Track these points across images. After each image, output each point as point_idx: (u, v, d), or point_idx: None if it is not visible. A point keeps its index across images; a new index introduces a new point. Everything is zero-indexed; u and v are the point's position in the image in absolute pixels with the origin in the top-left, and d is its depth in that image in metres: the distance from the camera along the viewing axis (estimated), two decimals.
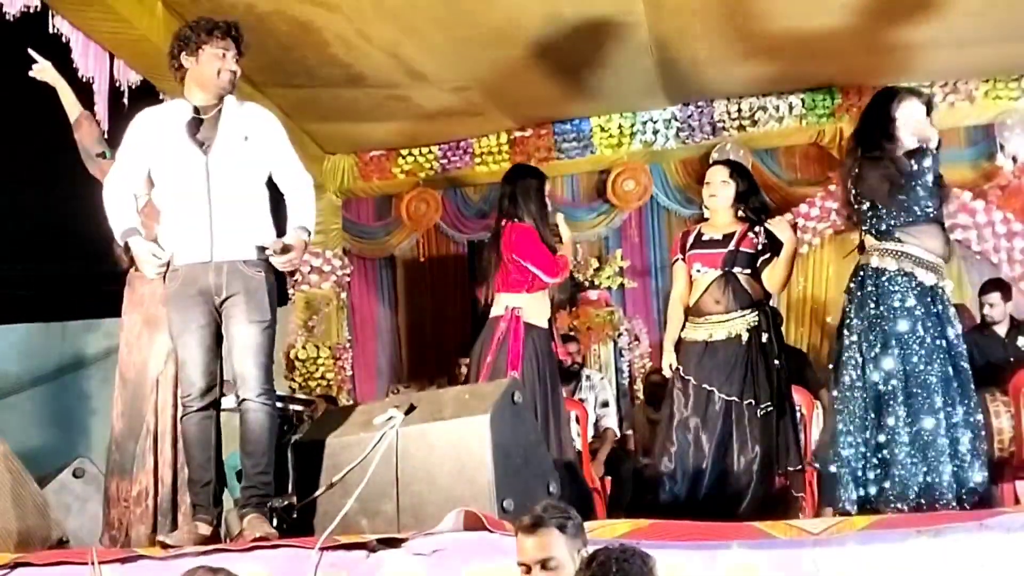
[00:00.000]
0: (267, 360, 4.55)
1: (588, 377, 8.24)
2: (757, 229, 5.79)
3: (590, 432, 7.69)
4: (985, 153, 9.23)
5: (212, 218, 4.49)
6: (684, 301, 5.93)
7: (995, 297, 7.61)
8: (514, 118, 9.78)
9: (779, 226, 5.80)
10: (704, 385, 5.64)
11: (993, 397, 6.66)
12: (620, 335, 9.65)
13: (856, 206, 5.26)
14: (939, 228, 5.20)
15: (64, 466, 6.45)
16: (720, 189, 5.89)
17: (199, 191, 4.50)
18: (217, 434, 4.68)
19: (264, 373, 4.52)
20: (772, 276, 5.73)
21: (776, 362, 5.65)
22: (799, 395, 7.01)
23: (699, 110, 9.62)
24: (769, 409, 5.55)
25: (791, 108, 9.45)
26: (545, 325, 6.14)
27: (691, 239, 5.96)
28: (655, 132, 9.70)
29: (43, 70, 5.54)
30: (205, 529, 4.57)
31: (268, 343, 4.56)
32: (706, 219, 6.09)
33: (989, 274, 8.51)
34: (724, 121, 9.55)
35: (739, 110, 9.52)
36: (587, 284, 9.72)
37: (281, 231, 4.67)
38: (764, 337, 5.65)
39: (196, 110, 4.61)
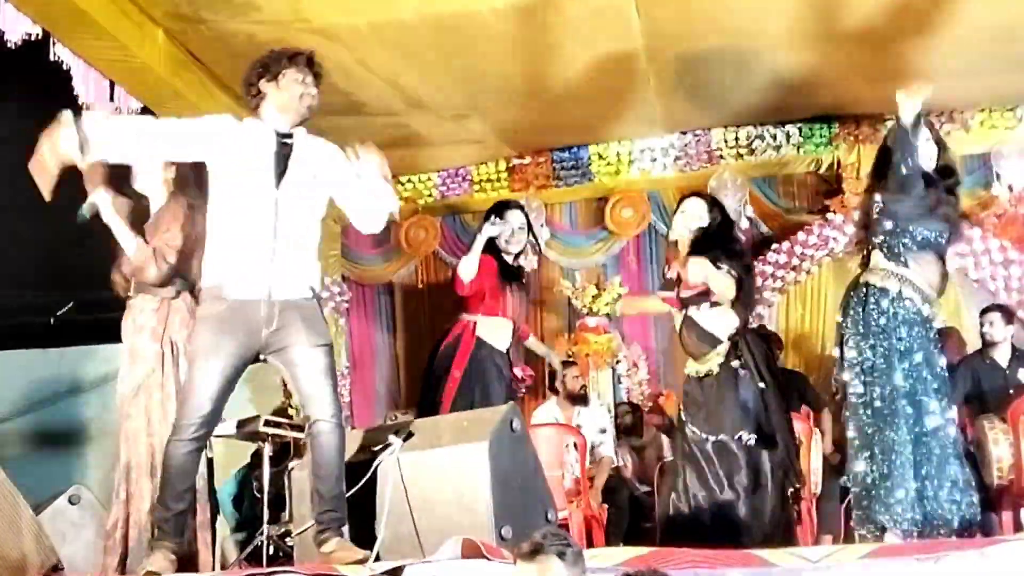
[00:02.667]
0: (335, 382, 4.51)
1: (587, 404, 8.21)
2: (694, 260, 5.73)
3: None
4: (981, 182, 9.25)
5: (275, 255, 4.41)
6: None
7: (995, 316, 7.61)
8: (513, 146, 9.81)
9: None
10: (693, 428, 5.71)
11: (992, 424, 6.64)
12: (618, 362, 9.64)
13: (876, 216, 5.28)
14: (942, 263, 5.24)
15: (60, 493, 6.42)
16: (694, 221, 5.89)
17: (265, 224, 4.42)
18: (202, 464, 4.62)
19: (334, 395, 4.46)
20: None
21: (761, 384, 5.67)
22: (797, 421, 7.02)
23: (696, 139, 9.65)
24: (754, 439, 5.58)
25: (789, 137, 9.48)
26: (501, 347, 6.21)
27: (672, 271, 5.99)
28: (653, 160, 9.73)
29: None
30: (171, 557, 4.43)
31: (332, 367, 4.50)
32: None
33: (987, 302, 8.51)
34: (722, 149, 9.59)
35: (736, 138, 9.56)
36: (585, 311, 9.71)
37: None
38: (735, 364, 5.68)
39: (279, 135, 4.52)
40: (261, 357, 4.53)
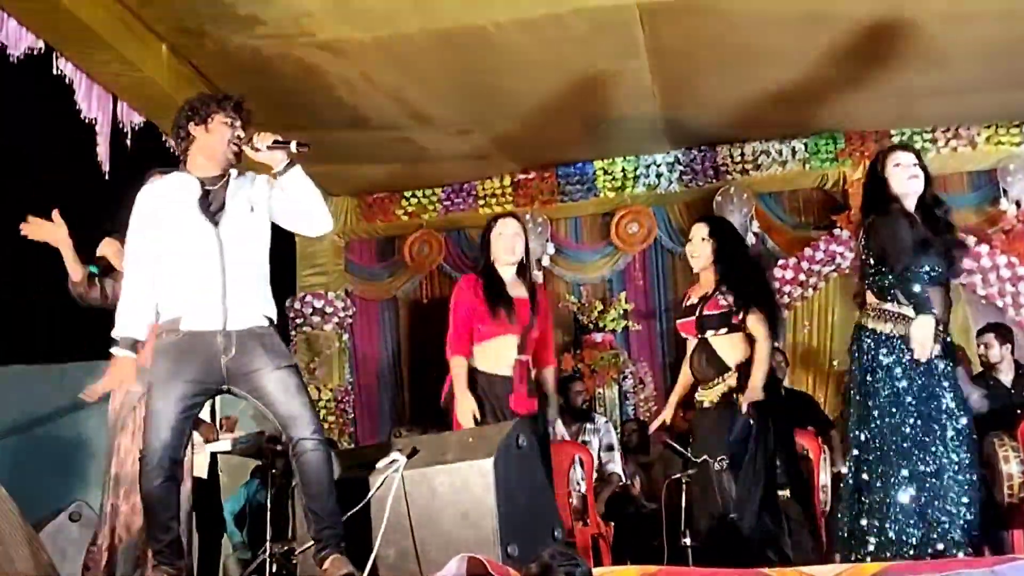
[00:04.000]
0: (310, 399, 4.44)
1: (593, 420, 8.18)
2: (723, 289, 5.72)
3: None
4: (988, 198, 9.24)
5: (225, 289, 4.40)
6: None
7: (989, 337, 7.59)
8: (517, 161, 9.80)
9: (755, 327, 5.70)
10: (693, 454, 5.70)
11: (1002, 442, 6.60)
12: (625, 378, 9.61)
13: (863, 258, 5.20)
14: (942, 291, 5.16)
15: (61, 510, 6.39)
16: (699, 247, 5.86)
17: (212, 262, 4.42)
18: (178, 490, 4.49)
19: (311, 411, 4.39)
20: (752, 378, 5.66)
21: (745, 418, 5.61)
22: (805, 439, 6.98)
23: (702, 154, 9.66)
24: (724, 464, 5.54)
25: (794, 152, 9.47)
26: (502, 371, 6.01)
27: (684, 301, 5.99)
28: (658, 176, 9.73)
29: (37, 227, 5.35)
30: None
31: (303, 385, 4.47)
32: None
33: (994, 318, 8.48)
34: (727, 165, 9.58)
35: (742, 154, 9.55)
36: (591, 326, 9.69)
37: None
38: (734, 397, 5.65)
39: (202, 182, 4.52)
40: (225, 388, 4.47)
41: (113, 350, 4.43)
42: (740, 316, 5.66)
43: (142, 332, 4.47)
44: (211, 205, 4.49)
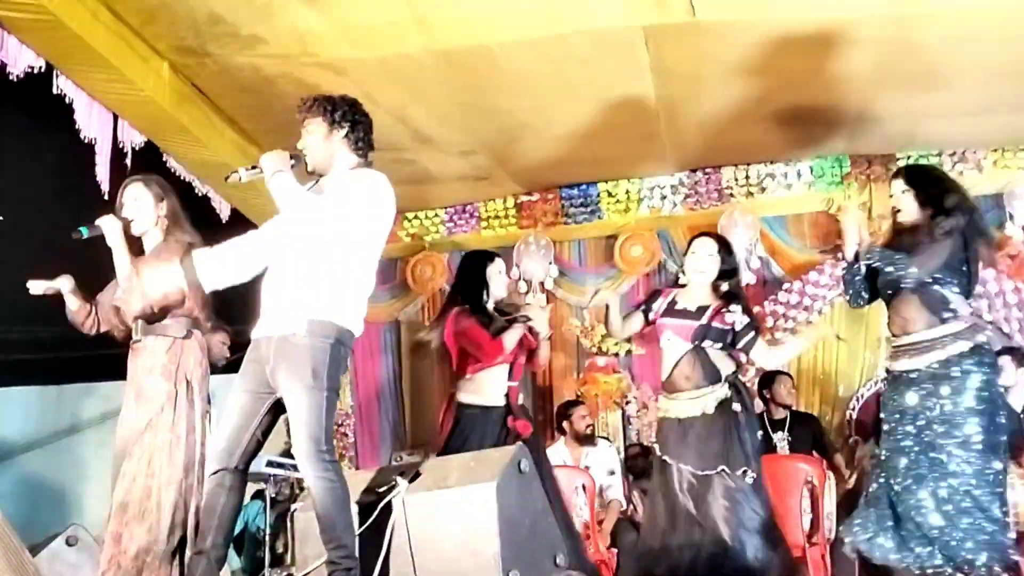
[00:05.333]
0: (317, 424, 4.29)
1: (596, 445, 8.11)
2: (733, 308, 5.81)
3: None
4: (995, 222, 9.15)
5: (277, 293, 4.45)
6: (618, 332, 6.27)
7: (1005, 360, 7.54)
8: (521, 182, 9.76)
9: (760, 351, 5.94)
10: (680, 464, 5.70)
11: (1008, 469, 6.56)
12: (628, 402, 9.55)
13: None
14: (917, 302, 5.28)
15: (57, 534, 6.32)
16: (708, 263, 5.92)
17: (277, 265, 4.51)
18: (230, 502, 4.47)
19: (313, 443, 4.27)
20: (771, 356, 6.05)
21: (749, 434, 5.69)
22: (810, 465, 6.92)
23: (707, 176, 9.61)
24: (754, 477, 5.58)
25: (800, 175, 9.44)
26: (494, 402, 6.06)
27: (663, 303, 6.00)
28: (663, 198, 9.68)
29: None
30: None
31: (316, 407, 4.30)
32: (682, 285, 6.09)
33: (1001, 344, 8.42)
34: (732, 188, 9.54)
35: (747, 177, 9.51)
36: (595, 350, 9.64)
37: None
38: (736, 407, 5.70)
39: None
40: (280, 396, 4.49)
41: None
42: (747, 338, 5.77)
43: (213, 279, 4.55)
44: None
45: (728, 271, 5.94)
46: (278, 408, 4.49)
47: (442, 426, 6.18)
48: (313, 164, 4.65)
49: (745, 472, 5.56)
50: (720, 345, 5.79)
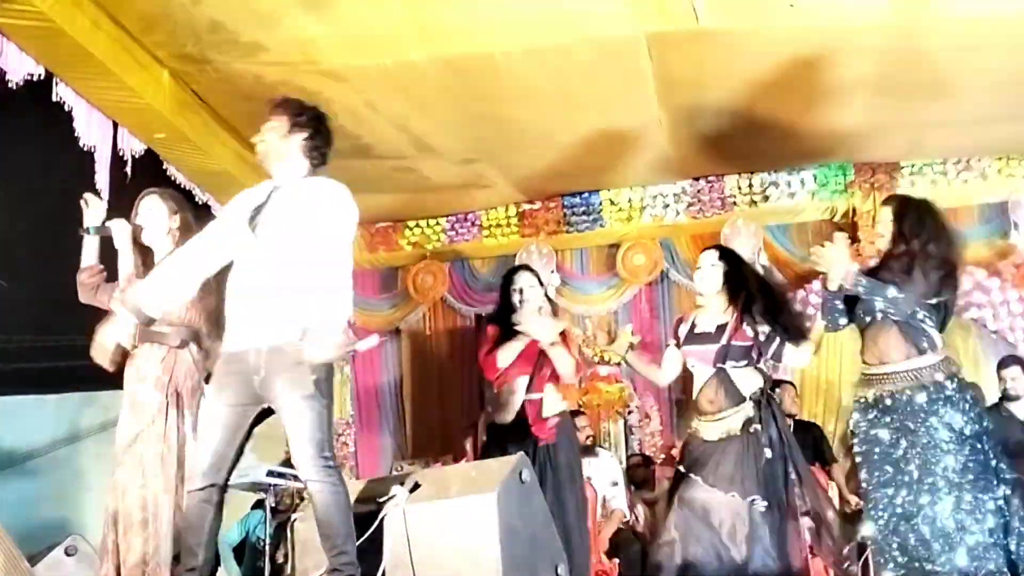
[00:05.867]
0: (318, 432, 4.29)
1: (597, 455, 8.08)
2: (750, 320, 5.76)
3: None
4: (999, 231, 9.16)
5: (261, 303, 4.36)
6: (666, 379, 6.18)
7: (1016, 370, 7.54)
8: (523, 191, 9.73)
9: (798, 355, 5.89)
10: (701, 480, 5.65)
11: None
12: (630, 412, 9.52)
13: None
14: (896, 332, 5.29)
15: (56, 544, 6.29)
16: (712, 275, 5.89)
17: (248, 275, 4.43)
18: (216, 517, 4.47)
19: (316, 448, 4.27)
20: (799, 354, 5.90)
21: (768, 452, 5.61)
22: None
23: (709, 185, 9.58)
24: (765, 507, 5.51)
25: (803, 183, 9.41)
26: (503, 419, 6.18)
27: (685, 329, 5.98)
28: (665, 207, 9.65)
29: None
30: None
31: (318, 416, 4.30)
32: (699, 306, 6.06)
33: (1005, 352, 8.39)
34: (735, 196, 9.52)
35: (750, 185, 9.49)
36: (597, 360, 9.60)
37: None
38: (756, 428, 5.63)
39: (256, 192, 4.61)
40: (267, 406, 4.47)
41: (116, 308, 4.57)
42: (774, 346, 5.74)
43: (152, 307, 4.56)
44: (259, 214, 4.49)
45: (734, 274, 5.89)
46: (259, 420, 4.49)
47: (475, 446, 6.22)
48: (263, 156, 4.62)
49: (754, 501, 5.50)
50: (745, 363, 5.74)
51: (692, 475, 5.69)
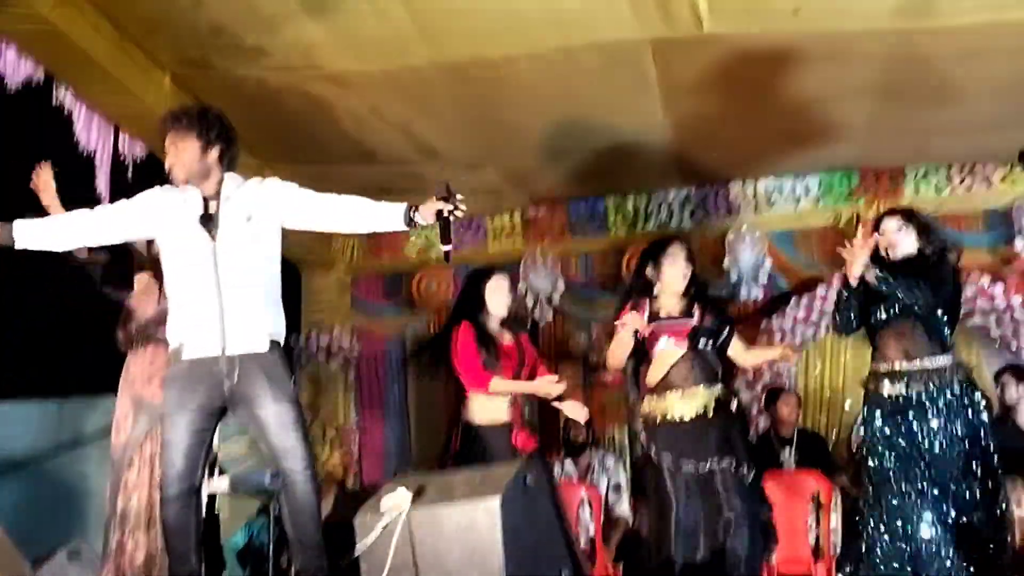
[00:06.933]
0: (304, 434, 4.46)
1: (601, 460, 8.05)
2: (709, 309, 5.97)
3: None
4: (1003, 237, 9.13)
5: (223, 308, 4.40)
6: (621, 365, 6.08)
7: (1007, 378, 7.55)
8: (528, 196, 9.71)
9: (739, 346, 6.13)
10: (681, 460, 5.67)
11: (1015, 486, 6.54)
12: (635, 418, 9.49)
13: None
14: (921, 329, 5.30)
15: (59, 548, 6.26)
16: (685, 269, 5.96)
17: (208, 280, 4.43)
18: (198, 520, 4.50)
19: (304, 445, 4.42)
20: (748, 355, 6.23)
21: (745, 435, 5.93)
22: (818, 481, 6.88)
23: (714, 191, 9.56)
24: (752, 473, 5.67)
25: (808, 190, 9.39)
26: (491, 422, 6.13)
27: (645, 312, 5.93)
28: (670, 213, 9.63)
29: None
30: None
31: (300, 419, 4.49)
32: (653, 297, 6.04)
33: (1009, 360, 8.38)
34: (739, 202, 9.47)
35: (755, 191, 9.46)
36: (601, 365, 9.58)
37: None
38: (733, 406, 5.82)
39: (205, 198, 4.57)
40: (226, 411, 4.52)
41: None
42: (723, 336, 5.95)
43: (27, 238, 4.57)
44: (210, 219, 4.51)
45: (694, 276, 6.03)
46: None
47: (449, 446, 6.16)
48: (179, 176, 4.61)
49: (746, 467, 5.64)
50: (711, 343, 5.89)
51: (665, 458, 5.70)
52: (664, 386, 5.82)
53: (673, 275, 5.95)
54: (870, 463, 5.38)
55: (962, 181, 9.09)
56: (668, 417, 5.76)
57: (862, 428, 5.55)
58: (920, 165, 9.11)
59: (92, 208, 4.73)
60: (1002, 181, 9.07)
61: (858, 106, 7.71)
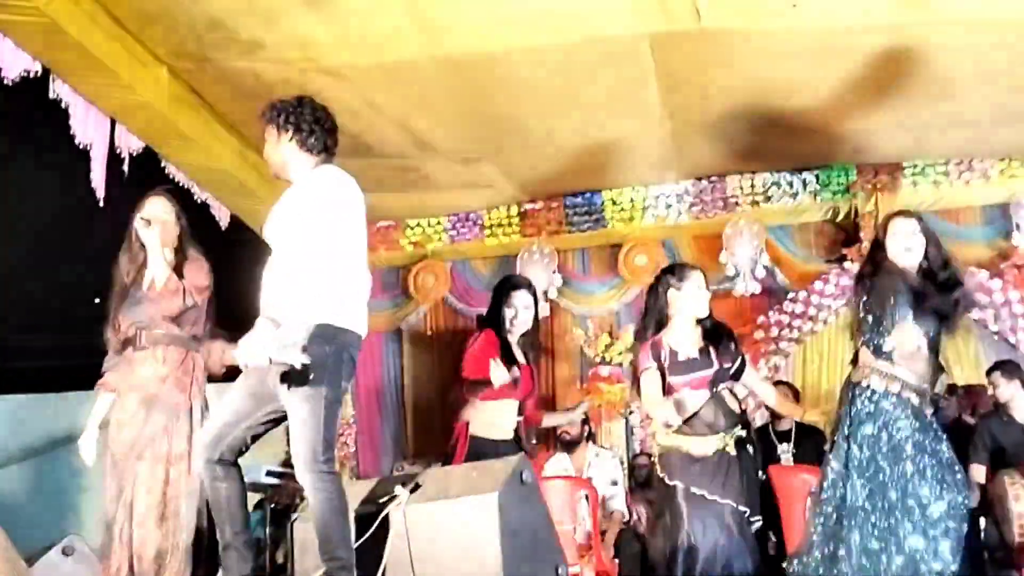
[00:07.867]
0: (314, 434, 4.18)
1: (598, 454, 8.04)
2: (724, 342, 5.91)
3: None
4: (1001, 232, 9.15)
5: (273, 299, 4.34)
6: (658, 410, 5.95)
7: (996, 375, 7.53)
8: (525, 190, 9.70)
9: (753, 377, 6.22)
10: (694, 489, 5.68)
11: (1013, 480, 6.55)
12: (631, 412, 9.49)
13: (860, 316, 5.28)
14: (934, 356, 5.18)
15: (53, 544, 6.25)
16: (704, 296, 5.92)
17: (267, 272, 4.46)
18: (239, 489, 4.45)
19: (311, 453, 4.17)
20: (761, 385, 6.39)
21: (760, 474, 5.92)
22: (816, 476, 6.86)
23: (712, 185, 9.55)
24: (759, 522, 5.75)
25: (805, 184, 9.38)
26: (503, 436, 6.21)
27: (665, 355, 5.86)
28: (668, 207, 9.62)
29: None
30: None
31: (314, 415, 4.20)
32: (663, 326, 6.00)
33: (1007, 354, 8.37)
34: (737, 196, 9.48)
35: (752, 185, 9.45)
36: (598, 360, 9.58)
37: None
38: (750, 449, 5.82)
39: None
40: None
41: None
42: (736, 365, 5.91)
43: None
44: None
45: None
46: (281, 419, 4.42)
47: (455, 452, 6.16)
48: (274, 171, 4.64)
49: (748, 510, 5.67)
50: (730, 383, 5.90)
51: (679, 484, 5.72)
52: (687, 429, 5.80)
53: (698, 301, 5.91)
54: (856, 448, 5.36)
55: (960, 176, 9.08)
56: (685, 451, 5.77)
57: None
58: (918, 160, 9.10)
59: None
60: (1000, 176, 9.05)
61: (856, 100, 7.69)
